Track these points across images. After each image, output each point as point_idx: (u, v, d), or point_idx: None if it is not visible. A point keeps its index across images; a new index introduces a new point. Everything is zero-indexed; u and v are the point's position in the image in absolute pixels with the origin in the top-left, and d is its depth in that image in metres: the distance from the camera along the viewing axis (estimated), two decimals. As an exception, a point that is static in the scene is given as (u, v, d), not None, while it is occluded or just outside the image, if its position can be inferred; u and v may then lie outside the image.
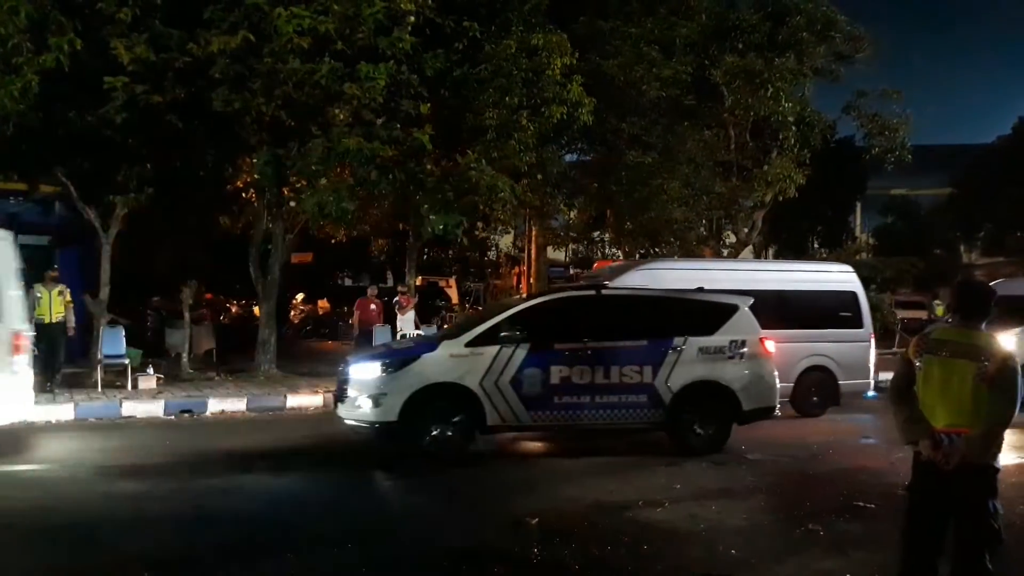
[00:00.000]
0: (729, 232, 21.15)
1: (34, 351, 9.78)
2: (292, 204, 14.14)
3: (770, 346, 9.72)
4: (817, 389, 12.29)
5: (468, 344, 8.68)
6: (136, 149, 11.99)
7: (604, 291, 9.74)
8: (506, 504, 6.86)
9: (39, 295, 12.56)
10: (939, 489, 4.01)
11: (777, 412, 9.76)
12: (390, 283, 29.49)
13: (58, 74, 10.40)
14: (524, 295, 20.08)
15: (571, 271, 28.72)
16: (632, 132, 17.49)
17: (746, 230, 20.09)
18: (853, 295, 12.81)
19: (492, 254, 32.93)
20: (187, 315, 14.88)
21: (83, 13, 10.64)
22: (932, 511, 4.08)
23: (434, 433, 8.37)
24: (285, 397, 12.29)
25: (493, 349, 8.60)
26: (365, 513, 6.72)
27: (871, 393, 13.00)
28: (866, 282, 16.52)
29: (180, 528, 6.14)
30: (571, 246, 22.92)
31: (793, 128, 17.93)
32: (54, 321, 12.39)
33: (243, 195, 15.48)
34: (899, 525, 4.29)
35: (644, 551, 5.64)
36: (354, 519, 6.48)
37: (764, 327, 11.94)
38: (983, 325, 4.13)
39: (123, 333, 13.19)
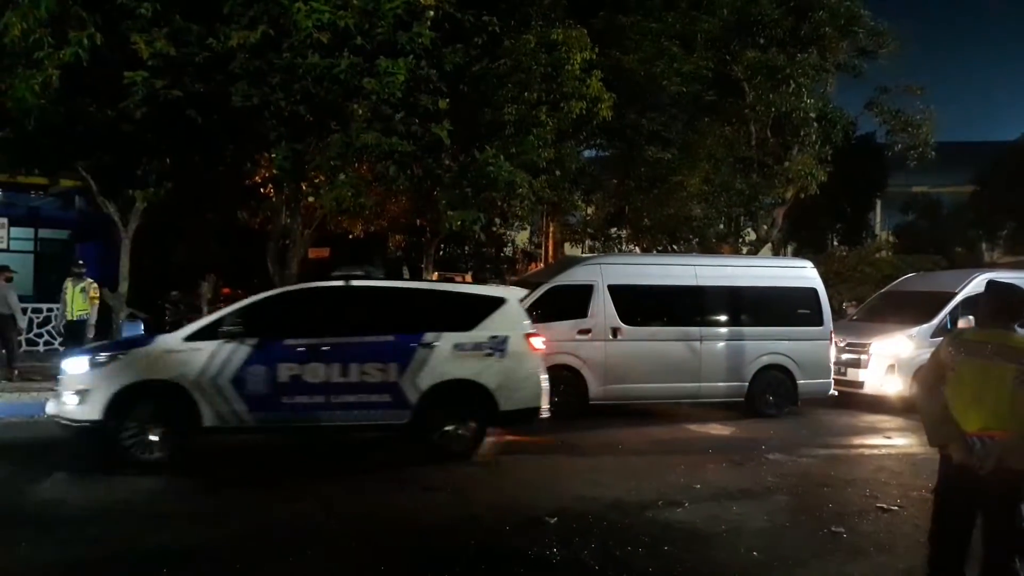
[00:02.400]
0: (749, 229, 20.97)
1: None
2: (310, 199, 14.12)
3: (538, 342, 9.00)
4: (774, 389, 12.00)
5: (186, 339, 8.05)
6: (155, 144, 11.99)
7: (352, 283, 8.82)
8: (524, 502, 6.81)
9: (65, 290, 12.67)
10: (968, 492, 3.94)
11: (545, 414, 8.89)
12: (407, 278, 29.51)
13: (78, 68, 10.41)
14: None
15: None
16: (652, 128, 17.35)
17: (766, 227, 19.91)
18: (813, 292, 12.49)
19: (508, 250, 32.85)
20: (205, 309, 14.92)
21: (103, 7, 10.63)
22: (960, 514, 4.01)
23: (131, 433, 7.61)
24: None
25: (212, 345, 7.94)
26: (381, 507, 6.67)
27: (833, 393, 12.73)
28: (888, 280, 16.38)
29: (195, 522, 6.12)
30: (588, 242, 22.79)
31: (815, 124, 17.74)
32: (74, 318, 12.47)
33: (261, 190, 15.47)
34: (927, 528, 4.22)
35: (665, 552, 5.58)
36: (369, 514, 6.45)
37: (718, 324, 11.95)
38: (1016, 327, 4.03)
39: (142, 327, 13.26)
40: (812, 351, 12.17)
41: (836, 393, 12.62)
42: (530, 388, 8.83)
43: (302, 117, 11.98)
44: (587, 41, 13.96)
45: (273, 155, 12.77)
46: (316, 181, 13.76)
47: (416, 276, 20.46)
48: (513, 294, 9.43)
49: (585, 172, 17.78)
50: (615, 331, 11.34)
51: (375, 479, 7.91)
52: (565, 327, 11.16)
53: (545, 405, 8.93)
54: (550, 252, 20.82)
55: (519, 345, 8.85)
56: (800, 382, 12.07)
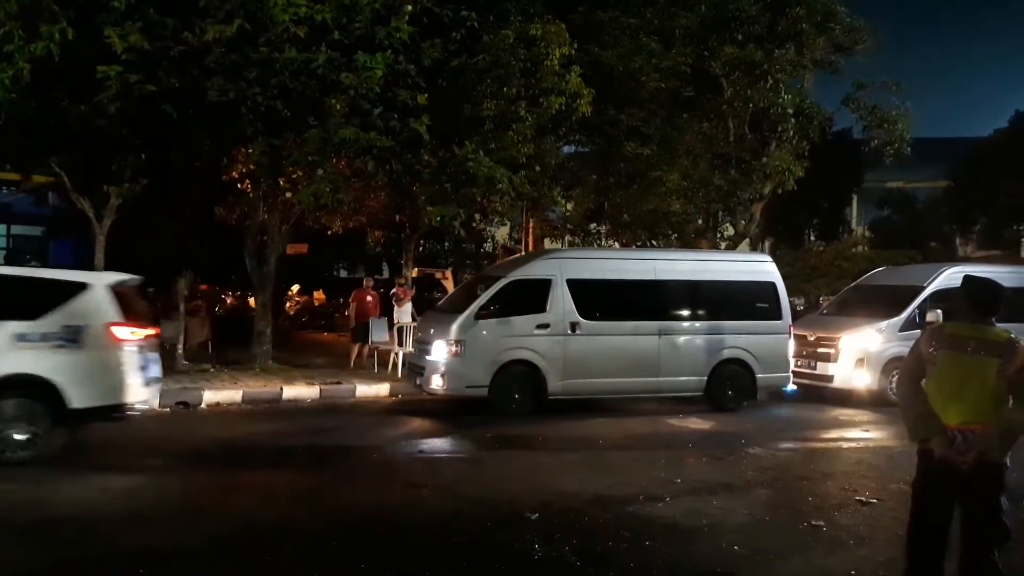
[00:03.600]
0: (727, 225, 21.08)
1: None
2: (288, 195, 14.02)
3: (123, 333, 8.06)
4: (732, 383, 12.02)
5: None
6: (130, 139, 11.85)
7: None
8: (507, 498, 6.79)
9: None
10: (947, 485, 3.97)
11: (133, 412, 8.21)
12: (386, 275, 29.42)
13: (50, 63, 10.25)
14: None
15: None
16: (631, 123, 17.35)
17: (744, 222, 20.02)
18: (772, 286, 12.54)
19: (488, 246, 32.81)
20: (182, 306, 14.78)
21: (76, 1, 10.48)
22: (939, 507, 4.04)
23: None
24: (281, 389, 12.21)
25: None
26: (363, 505, 6.64)
27: (790, 388, 12.86)
28: (863, 275, 16.51)
29: (175, 522, 6.06)
30: (568, 238, 22.80)
31: (792, 120, 17.82)
32: None
33: (239, 185, 15.34)
34: (906, 521, 4.25)
35: (646, 547, 5.58)
36: (351, 511, 6.41)
37: (677, 319, 11.96)
38: (994, 321, 4.07)
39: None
40: (771, 345, 12.22)
41: (795, 387, 12.78)
42: (109, 383, 7.97)
43: (279, 112, 11.88)
44: (566, 36, 13.94)
45: (250, 150, 12.67)
46: (294, 176, 13.67)
47: (396, 272, 20.38)
48: (101, 280, 8.32)
49: (564, 168, 17.78)
50: (574, 326, 11.30)
51: (358, 475, 7.87)
52: (523, 322, 11.19)
53: (134, 399, 8.12)
54: (530, 248, 20.78)
55: (98, 336, 7.91)
56: (759, 376, 12.12)
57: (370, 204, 16.86)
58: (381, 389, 12.82)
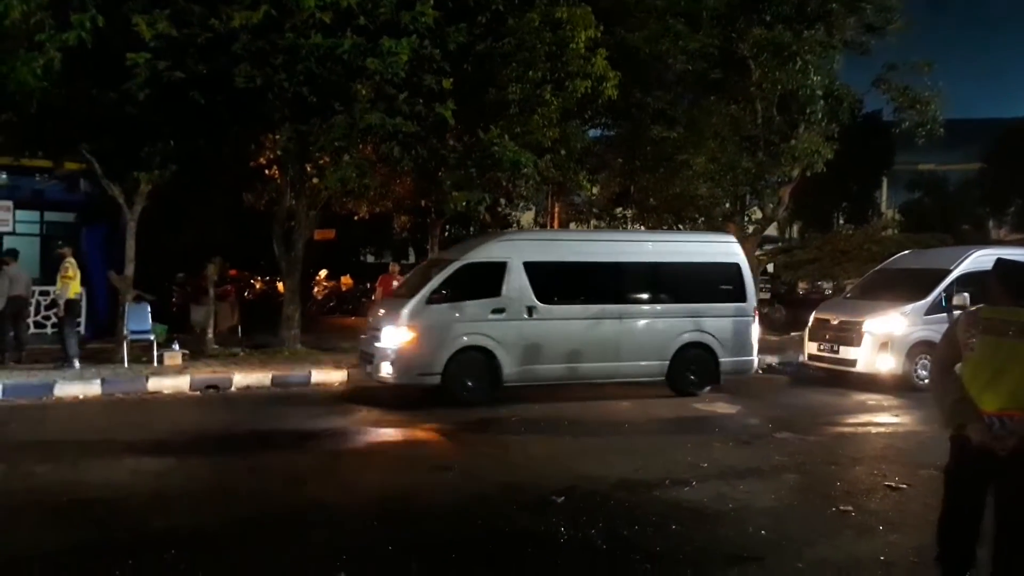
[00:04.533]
0: (755, 208, 20.86)
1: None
2: (315, 180, 14.10)
3: None
4: (696, 366, 11.70)
5: None
6: (159, 126, 11.96)
7: None
8: (532, 482, 6.82)
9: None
10: (981, 472, 3.91)
11: None
12: (412, 259, 29.50)
13: (80, 51, 10.36)
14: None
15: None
16: (657, 106, 17.23)
17: (772, 206, 19.79)
18: (736, 267, 12.19)
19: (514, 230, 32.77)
20: (211, 291, 14.94)
21: (104, -11, 10.58)
22: (972, 494, 3.99)
23: None
24: (310, 373, 12.32)
25: None
26: (385, 489, 6.70)
27: (757, 371, 12.58)
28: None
29: (203, 504, 6.15)
30: (593, 222, 22.71)
31: (821, 102, 17.54)
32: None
33: (266, 172, 15.45)
34: (936, 507, 4.20)
35: (673, 531, 5.58)
36: (375, 495, 6.47)
37: (638, 301, 11.68)
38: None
39: (148, 309, 13.27)
40: (735, 328, 11.92)
41: (760, 371, 12.65)
42: None
43: (306, 98, 11.93)
44: (592, 19, 13.83)
45: (277, 136, 12.74)
46: (320, 162, 13.73)
47: (422, 257, 20.41)
48: None
49: (590, 151, 17.70)
50: (530, 310, 10.95)
51: (383, 458, 7.95)
52: (477, 306, 10.80)
53: None
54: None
55: None
56: (722, 360, 11.79)
57: (396, 189, 16.90)
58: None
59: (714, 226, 19.26)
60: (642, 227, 20.82)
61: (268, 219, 15.38)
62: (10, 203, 15.55)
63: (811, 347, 13.86)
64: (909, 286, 13.27)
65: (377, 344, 10.91)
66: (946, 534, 4.09)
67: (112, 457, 7.49)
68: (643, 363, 11.53)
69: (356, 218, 19.12)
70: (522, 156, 13.07)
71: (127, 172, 12.66)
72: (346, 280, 27.56)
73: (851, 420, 10.38)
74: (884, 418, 10.55)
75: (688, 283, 11.88)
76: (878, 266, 15.68)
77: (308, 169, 14.11)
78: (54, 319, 14.54)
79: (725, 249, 12.47)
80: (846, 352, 13.03)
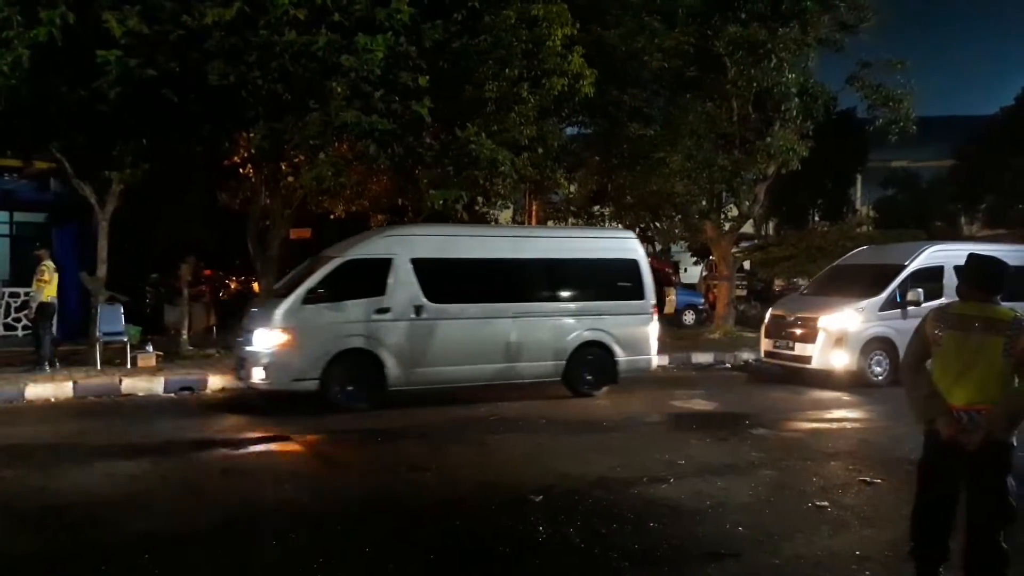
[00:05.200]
0: (731, 205, 20.97)
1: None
2: (290, 179, 13.98)
3: None
4: (592, 366, 11.41)
5: None
6: (131, 124, 11.79)
7: None
8: (510, 481, 6.81)
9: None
10: (953, 466, 3.95)
11: None
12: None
13: (49, 48, 10.20)
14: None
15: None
16: (633, 104, 17.24)
17: (748, 203, 19.92)
18: (635, 264, 11.89)
19: (492, 228, 32.70)
20: (186, 292, 14.79)
21: (74, -15, 10.42)
22: (945, 488, 4.04)
23: None
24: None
25: None
26: (367, 494, 6.65)
27: (653, 368, 12.26)
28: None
29: (179, 508, 6.08)
30: (571, 220, 22.71)
31: (796, 100, 17.68)
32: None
33: (241, 170, 15.28)
34: (910, 501, 4.24)
35: (651, 528, 5.59)
36: (355, 495, 6.43)
37: (533, 299, 11.21)
38: (999, 299, 4.03)
39: (122, 310, 13.10)
40: (633, 326, 11.67)
41: (658, 369, 12.50)
42: None
43: (280, 96, 11.81)
44: (568, 16, 13.81)
45: (251, 134, 12.61)
46: (295, 161, 13.61)
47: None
48: None
49: (567, 149, 17.68)
50: (418, 309, 10.42)
51: (360, 460, 7.89)
52: (360, 306, 10.21)
53: None
54: (533, 230, 20.72)
55: None
56: (620, 359, 11.51)
57: (372, 187, 16.78)
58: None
59: (690, 224, 19.32)
60: (619, 224, 20.85)
61: (243, 218, 15.25)
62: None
63: (767, 344, 13.88)
64: (864, 282, 13.28)
65: (248, 348, 10.22)
66: (919, 528, 4.14)
67: (85, 461, 7.38)
68: (539, 364, 11.14)
69: (332, 217, 18.99)
70: (499, 154, 13.02)
71: (98, 171, 12.49)
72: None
73: (827, 415, 10.48)
74: (855, 413, 10.65)
75: (585, 281, 11.64)
76: (835, 262, 15.71)
77: (283, 168, 13.98)
78: (25, 321, 14.35)
79: (623, 245, 12.21)
80: (802, 349, 13.05)
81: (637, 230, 22.31)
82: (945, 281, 12.57)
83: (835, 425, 9.98)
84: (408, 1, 11.71)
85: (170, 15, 10.78)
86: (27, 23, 9.97)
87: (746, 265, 27.88)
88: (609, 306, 11.60)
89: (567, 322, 11.36)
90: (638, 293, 11.83)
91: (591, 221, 21.04)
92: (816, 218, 34.87)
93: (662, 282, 18.66)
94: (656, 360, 12.25)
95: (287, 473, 7.27)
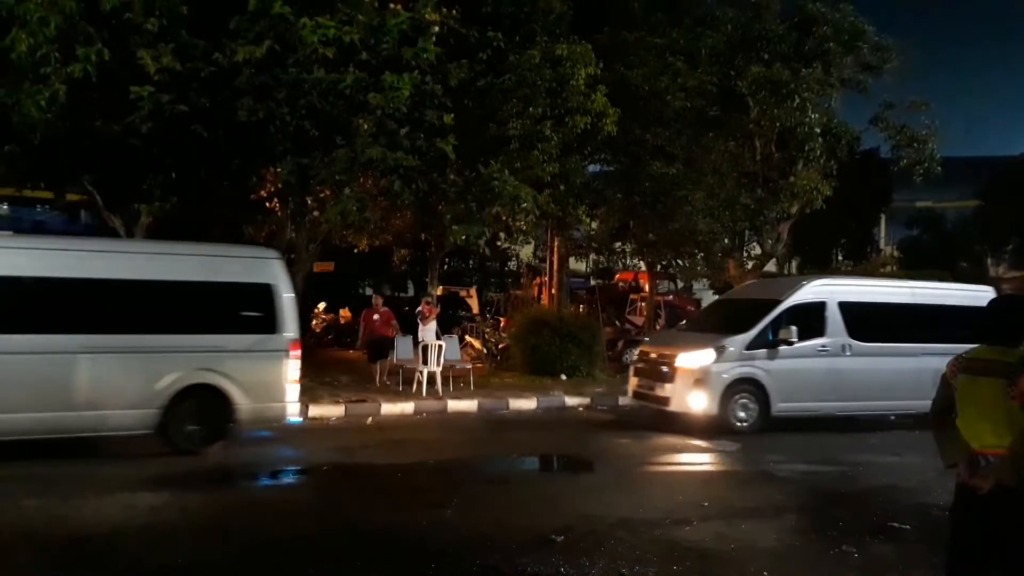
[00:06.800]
0: (755, 244, 20.92)
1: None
2: (315, 213, 14.14)
3: None
4: (199, 417, 9.09)
5: None
6: (161, 158, 12.02)
7: None
8: (531, 520, 6.74)
9: None
10: (981, 513, 3.87)
11: None
12: (411, 292, 29.53)
13: (84, 84, 10.45)
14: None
15: (592, 282, 28.62)
16: (656, 143, 17.34)
17: (771, 242, 19.87)
18: (268, 288, 9.58)
19: (513, 264, 32.87)
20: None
21: (111, 23, 10.67)
22: (974, 536, 3.94)
23: None
24: (307, 407, 12.22)
25: None
26: (382, 526, 6.62)
27: (294, 419, 10.06)
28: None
29: (198, 540, 6.07)
30: (593, 257, 22.79)
31: (819, 139, 17.69)
32: None
33: (267, 204, 15.50)
34: (940, 548, 4.15)
35: (675, 571, 5.51)
36: (374, 530, 6.39)
37: (115, 331, 8.76)
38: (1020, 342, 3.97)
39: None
40: (261, 367, 9.48)
41: (300, 418, 10.38)
42: None
43: (307, 132, 12.01)
44: (592, 56, 13.99)
45: (278, 169, 12.79)
46: (321, 195, 13.79)
47: (421, 290, 20.40)
48: None
49: (590, 187, 17.79)
50: None
51: (382, 495, 7.85)
52: None
53: None
54: (555, 266, 20.80)
55: None
56: (241, 406, 9.21)
57: (396, 223, 16.97)
58: (406, 408, 12.82)
59: (713, 262, 19.25)
60: (641, 262, 20.84)
61: (268, 251, 15.38)
62: (11, 234, 15.56)
63: (634, 383, 12.71)
64: (740, 317, 12.21)
65: None
66: (952, 574, 4.04)
67: (105, 492, 7.40)
68: (117, 412, 8.74)
69: (356, 251, 19.17)
70: (522, 191, 13.13)
71: (128, 203, 12.70)
72: (344, 313, 27.54)
73: (854, 458, 10.26)
74: (888, 457, 10.42)
75: (195, 307, 9.35)
76: (721, 295, 14.90)
77: (309, 202, 14.16)
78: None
79: (253, 267, 9.83)
80: (661, 389, 11.88)
81: (659, 267, 22.36)
82: (828, 317, 11.92)
83: (863, 468, 9.77)
84: (434, 41, 11.91)
85: (202, 53, 11.01)
86: (64, 60, 10.22)
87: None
88: (228, 340, 9.36)
89: (163, 359, 8.97)
90: (270, 326, 9.55)
91: (612, 258, 21.07)
92: (840, 257, 34.68)
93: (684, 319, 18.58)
94: (294, 408, 9.84)
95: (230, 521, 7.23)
